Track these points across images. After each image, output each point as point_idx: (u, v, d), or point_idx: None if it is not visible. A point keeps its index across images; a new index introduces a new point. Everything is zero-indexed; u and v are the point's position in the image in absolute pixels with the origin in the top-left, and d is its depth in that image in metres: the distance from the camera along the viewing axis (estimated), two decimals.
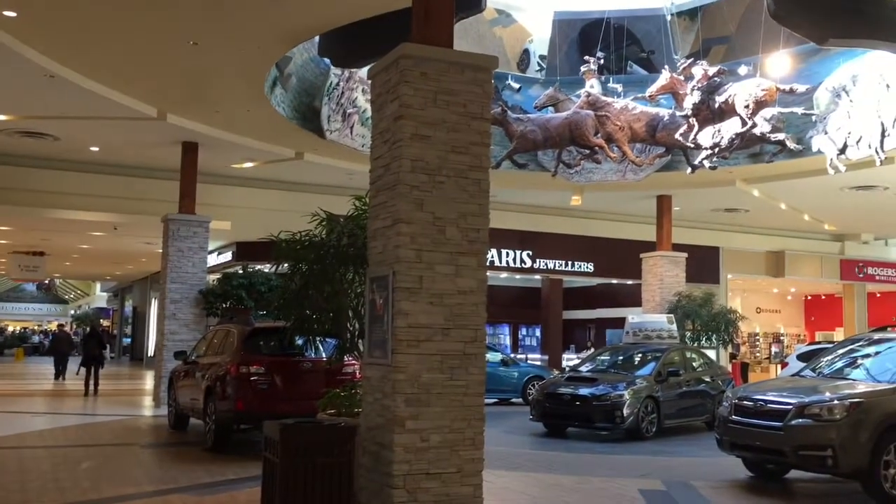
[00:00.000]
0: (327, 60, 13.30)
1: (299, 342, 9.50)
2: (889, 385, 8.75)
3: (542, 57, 19.48)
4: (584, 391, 12.84)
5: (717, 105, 12.85)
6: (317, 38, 11.94)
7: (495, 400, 18.33)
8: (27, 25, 10.25)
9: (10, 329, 54.77)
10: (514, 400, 18.38)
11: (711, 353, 19.28)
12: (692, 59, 14.19)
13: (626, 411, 12.35)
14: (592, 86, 14.59)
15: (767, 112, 13.21)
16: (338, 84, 14.26)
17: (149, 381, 20.96)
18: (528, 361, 21.61)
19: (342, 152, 15.45)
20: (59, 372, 24.18)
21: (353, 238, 7.64)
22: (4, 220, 19.56)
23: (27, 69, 11.29)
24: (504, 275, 23.81)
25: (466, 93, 6.66)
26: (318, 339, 8.89)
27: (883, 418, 8.22)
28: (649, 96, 13.84)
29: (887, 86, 13.21)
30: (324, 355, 9.78)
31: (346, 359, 9.03)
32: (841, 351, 10.63)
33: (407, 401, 6.08)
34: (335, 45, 11.53)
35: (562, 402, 13.00)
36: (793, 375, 10.72)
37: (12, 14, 9.80)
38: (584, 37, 18.04)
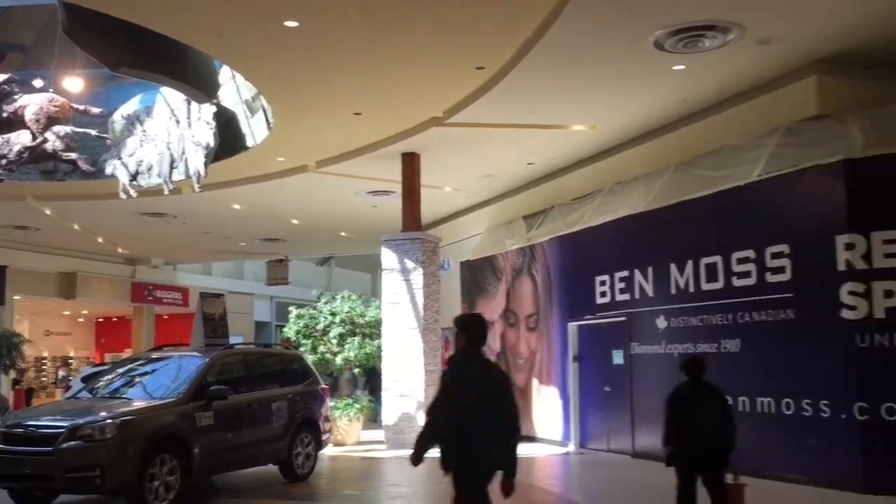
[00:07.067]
0: None
1: None
2: (161, 401, 9.27)
3: None
4: None
5: (5, 115, 12.04)
6: None
7: None
8: None
9: None
10: None
11: None
12: None
13: None
14: None
15: (60, 129, 12.92)
16: None
17: None
18: None
19: None
20: None
21: None
22: None
23: None
24: None
25: None
26: None
27: (152, 433, 8.66)
28: None
29: (177, 121, 14.18)
30: None
31: None
32: (121, 370, 10.91)
33: None
34: None
35: None
36: (70, 398, 10.59)
37: None
38: None
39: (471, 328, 5.19)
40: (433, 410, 5.22)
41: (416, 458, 5.14)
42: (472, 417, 4.91)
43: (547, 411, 14.52)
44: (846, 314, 9.15)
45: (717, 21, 8.86)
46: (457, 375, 5.13)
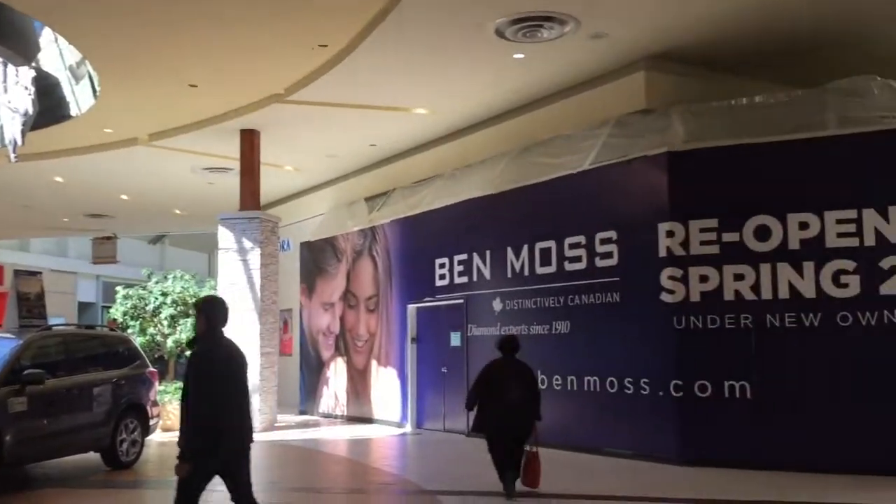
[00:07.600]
0: None
1: None
2: None
3: None
4: None
5: None
6: None
7: None
8: None
9: None
10: None
11: None
12: None
13: None
14: None
15: None
16: None
17: None
18: None
19: None
20: None
21: None
22: None
23: None
24: None
25: None
26: None
27: None
28: None
29: None
30: None
31: None
32: None
33: None
34: None
35: None
36: None
37: None
38: None
39: (210, 310, 5.22)
40: (193, 399, 5.07)
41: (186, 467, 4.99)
42: (225, 396, 5.00)
43: (385, 393, 14.58)
44: (665, 297, 9.72)
45: (555, 13, 9.13)
46: (206, 357, 5.11)
